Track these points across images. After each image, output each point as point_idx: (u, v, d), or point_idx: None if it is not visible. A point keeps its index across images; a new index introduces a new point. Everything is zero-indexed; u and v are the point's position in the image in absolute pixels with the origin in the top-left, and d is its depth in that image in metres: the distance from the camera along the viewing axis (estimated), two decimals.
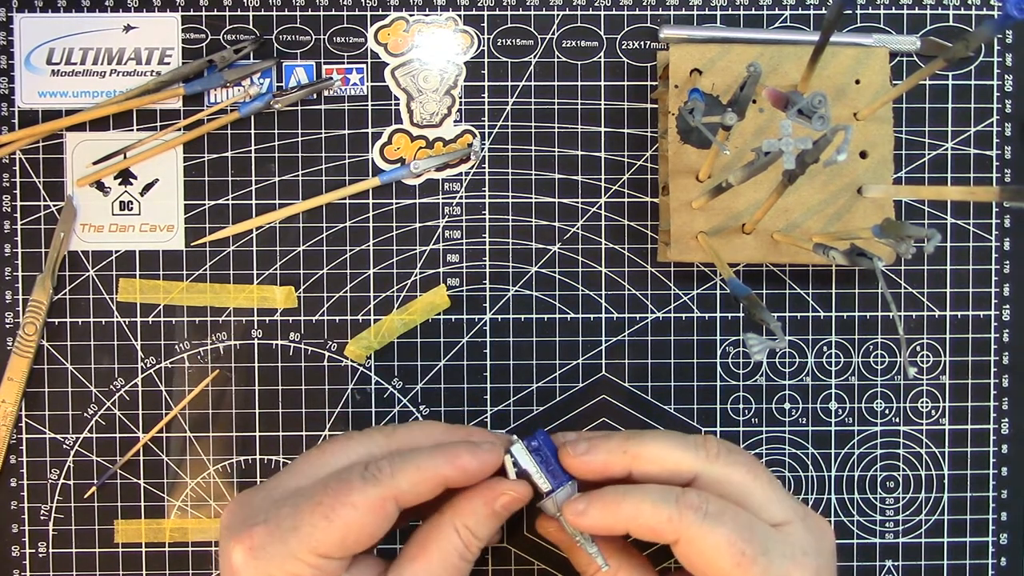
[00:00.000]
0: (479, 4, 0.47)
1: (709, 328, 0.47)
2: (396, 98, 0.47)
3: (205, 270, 0.47)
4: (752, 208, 0.44)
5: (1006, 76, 0.47)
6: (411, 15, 0.47)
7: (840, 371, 0.48)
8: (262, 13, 0.47)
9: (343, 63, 0.47)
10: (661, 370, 0.47)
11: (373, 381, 0.47)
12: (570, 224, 0.47)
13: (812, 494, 0.47)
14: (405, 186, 0.47)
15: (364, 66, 0.47)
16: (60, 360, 0.46)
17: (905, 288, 0.48)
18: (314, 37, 0.47)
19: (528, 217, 0.47)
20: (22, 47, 0.46)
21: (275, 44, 0.47)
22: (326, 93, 0.47)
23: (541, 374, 0.47)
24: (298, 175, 0.47)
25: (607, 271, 0.47)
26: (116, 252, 0.47)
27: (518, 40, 0.47)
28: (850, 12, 0.47)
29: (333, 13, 0.47)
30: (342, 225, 0.47)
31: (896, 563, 0.48)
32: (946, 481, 0.48)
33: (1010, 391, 0.48)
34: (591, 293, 0.47)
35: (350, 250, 0.47)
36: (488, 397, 0.47)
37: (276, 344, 0.47)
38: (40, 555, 0.46)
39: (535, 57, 0.47)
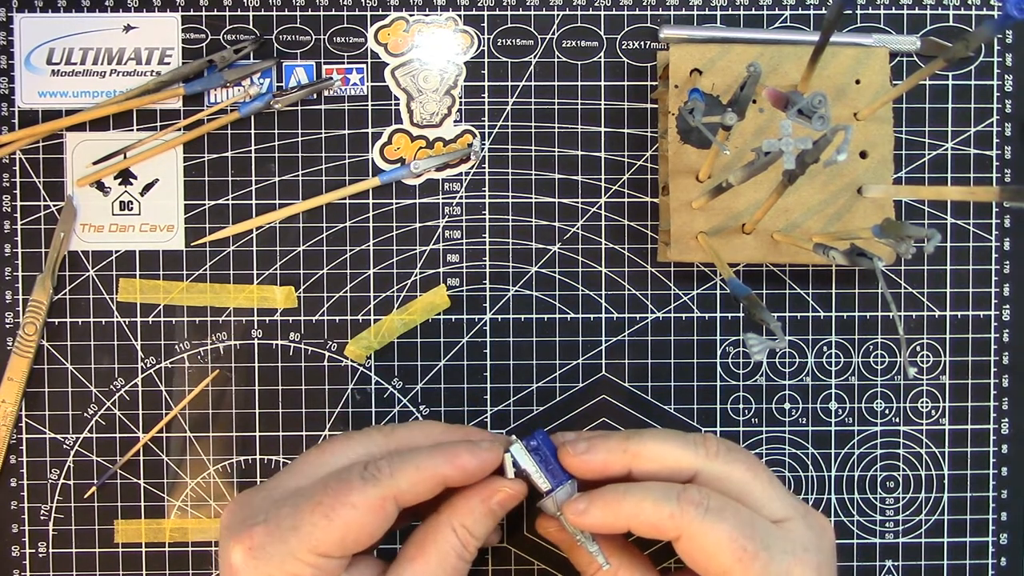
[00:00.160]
0: (479, 4, 0.47)
1: (709, 328, 0.47)
2: (396, 98, 0.47)
3: (205, 270, 0.47)
4: (752, 208, 0.44)
5: (1006, 76, 0.47)
6: (411, 15, 0.47)
7: (840, 371, 0.48)
8: (262, 13, 0.47)
9: (343, 63, 0.47)
10: (661, 370, 0.47)
11: (373, 381, 0.47)
12: (570, 224, 0.47)
13: (812, 494, 0.47)
14: (405, 186, 0.47)
15: (364, 66, 0.47)
16: (60, 360, 0.46)
17: (905, 288, 0.48)
18: (314, 37, 0.47)
19: (528, 217, 0.47)
20: (22, 47, 0.46)
21: (275, 44, 0.47)
22: (326, 93, 0.47)
23: (541, 374, 0.47)
24: (298, 175, 0.47)
25: (607, 271, 0.47)
26: (116, 252, 0.47)
27: (518, 40, 0.47)
28: (850, 12, 0.47)
29: (333, 13, 0.47)
30: (342, 225, 0.47)
31: (896, 563, 0.48)
32: (946, 481, 0.48)
33: (1010, 391, 0.48)
34: (591, 293, 0.47)
35: (350, 250, 0.47)
36: (488, 397, 0.47)
37: (276, 344, 0.47)
38: (40, 555, 0.46)
39: (535, 57, 0.47)
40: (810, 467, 0.48)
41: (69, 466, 0.47)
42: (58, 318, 0.46)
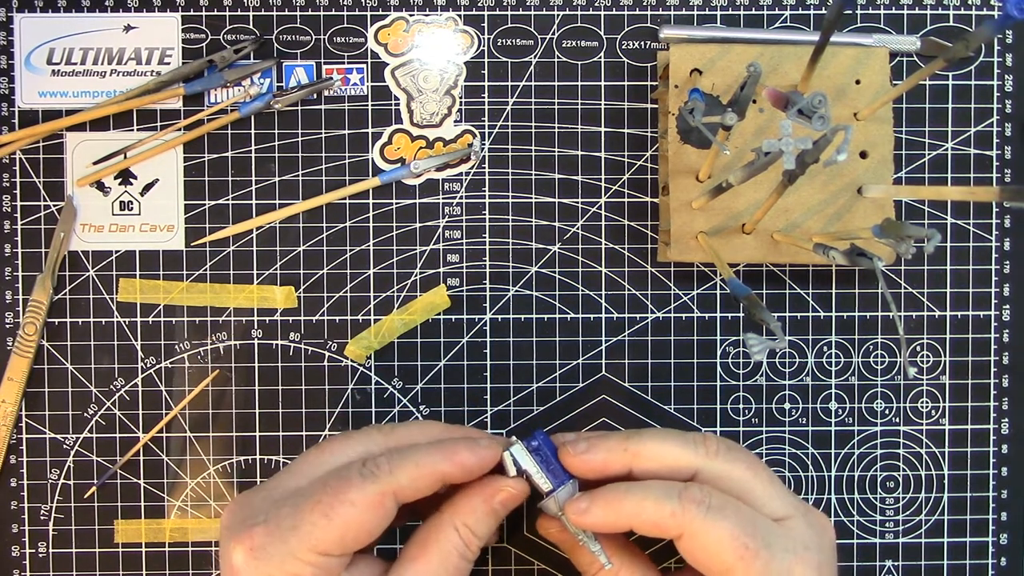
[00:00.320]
0: (479, 4, 0.47)
1: (709, 328, 0.47)
2: (396, 98, 0.47)
3: (205, 270, 0.47)
4: (752, 208, 0.44)
5: (1006, 76, 0.47)
6: (411, 15, 0.47)
7: (840, 371, 0.48)
8: (262, 13, 0.47)
9: (343, 63, 0.47)
10: (661, 370, 0.47)
11: (373, 381, 0.47)
12: (570, 224, 0.47)
13: (812, 494, 0.47)
14: (405, 186, 0.47)
15: (364, 66, 0.47)
16: (60, 360, 0.46)
17: (905, 288, 0.48)
18: (314, 37, 0.47)
19: (528, 217, 0.47)
20: (22, 47, 0.46)
21: (275, 44, 0.47)
22: (326, 93, 0.47)
23: (541, 374, 0.47)
24: (298, 175, 0.47)
25: (607, 271, 0.47)
26: (116, 252, 0.47)
27: (518, 40, 0.47)
28: (850, 12, 0.47)
29: (333, 13, 0.47)
30: (342, 225, 0.47)
31: (896, 563, 0.48)
32: (946, 481, 0.48)
33: (1010, 391, 0.48)
34: (591, 293, 0.47)
35: (350, 250, 0.47)
36: (488, 397, 0.47)
37: (276, 344, 0.47)
38: (40, 555, 0.46)
39: (535, 57, 0.47)
40: (810, 467, 0.48)
41: (69, 466, 0.47)
42: (58, 318, 0.46)
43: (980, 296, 0.48)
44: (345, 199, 0.47)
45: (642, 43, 0.47)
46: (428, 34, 0.47)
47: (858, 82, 0.45)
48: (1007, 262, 0.48)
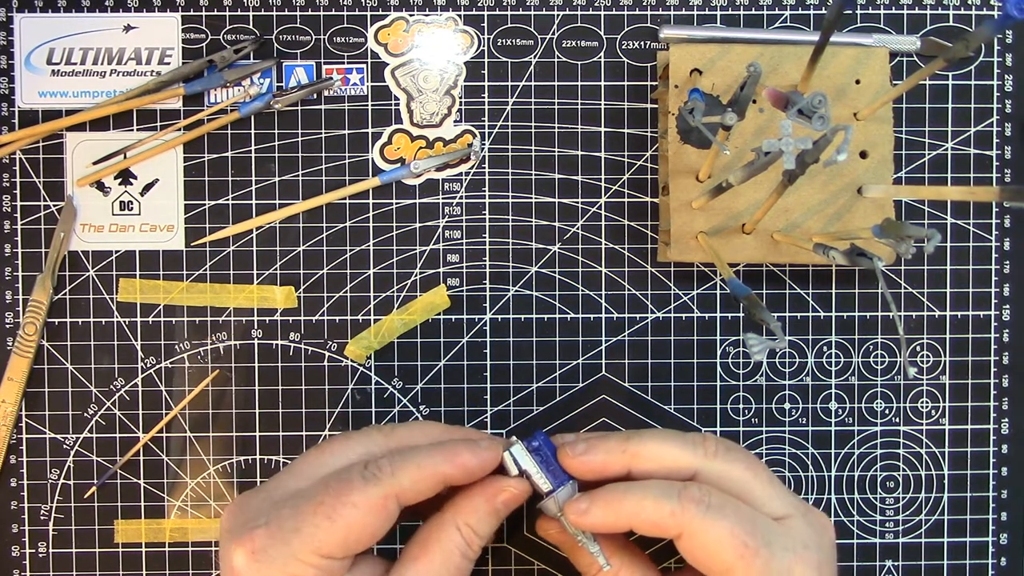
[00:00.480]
0: (479, 4, 0.47)
1: (709, 328, 0.47)
2: (396, 98, 0.47)
3: (205, 270, 0.47)
4: (752, 208, 0.44)
5: (1006, 76, 0.47)
6: (411, 15, 0.47)
7: (840, 371, 0.48)
8: (262, 13, 0.47)
9: (343, 63, 0.47)
10: (661, 370, 0.47)
11: (373, 381, 0.47)
12: (570, 224, 0.47)
13: (812, 494, 0.47)
14: (405, 186, 0.47)
15: (364, 66, 0.47)
16: (60, 360, 0.46)
17: (905, 288, 0.48)
18: (314, 37, 0.47)
19: (528, 217, 0.47)
20: (22, 47, 0.46)
21: (275, 44, 0.47)
22: (326, 93, 0.47)
23: (541, 374, 0.47)
24: (298, 175, 0.47)
25: (607, 271, 0.47)
26: (116, 252, 0.47)
27: (518, 40, 0.47)
28: (850, 12, 0.47)
29: (333, 13, 0.47)
30: (342, 225, 0.47)
31: (896, 563, 0.48)
32: (946, 481, 0.48)
33: (1010, 391, 0.48)
34: (591, 293, 0.47)
35: (350, 250, 0.47)
36: (488, 397, 0.47)
37: (276, 344, 0.47)
38: (40, 555, 0.46)
39: (535, 57, 0.47)
40: (810, 467, 0.48)
41: (69, 466, 0.47)
42: (58, 318, 0.46)
43: (980, 296, 0.48)
44: (345, 199, 0.47)
45: (642, 43, 0.47)
46: (428, 34, 0.47)
47: (858, 82, 0.45)
48: (1007, 262, 0.48)
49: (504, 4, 0.47)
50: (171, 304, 0.47)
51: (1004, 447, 0.48)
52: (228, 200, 0.47)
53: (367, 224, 0.47)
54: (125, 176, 0.47)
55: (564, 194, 0.47)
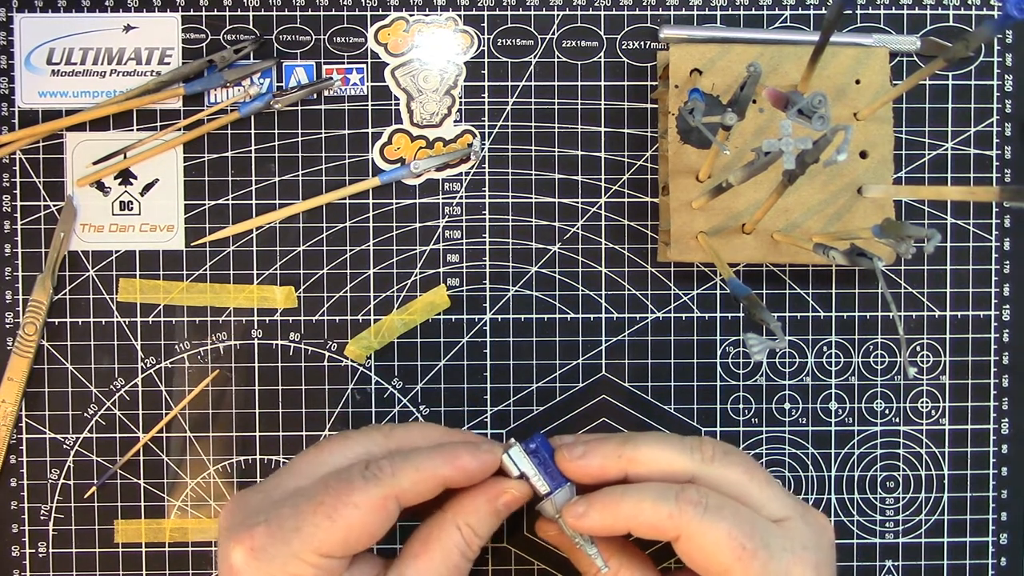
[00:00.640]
0: (479, 4, 0.47)
1: (709, 328, 0.47)
2: (396, 98, 0.47)
3: (205, 270, 0.47)
4: (752, 208, 0.44)
5: (1006, 76, 0.47)
6: (411, 15, 0.47)
7: (840, 371, 0.48)
8: (262, 13, 0.47)
9: (343, 63, 0.47)
10: (661, 370, 0.47)
11: (373, 381, 0.47)
12: (570, 224, 0.47)
13: (812, 494, 0.47)
14: (405, 186, 0.47)
15: (364, 66, 0.47)
16: (60, 360, 0.46)
17: (905, 288, 0.48)
18: (314, 37, 0.47)
19: (528, 217, 0.47)
20: (22, 47, 0.46)
21: (275, 44, 0.47)
22: (326, 93, 0.47)
23: (541, 374, 0.47)
24: (298, 175, 0.47)
25: (607, 271, 0.47)
26: (116, 252, 0.47)
27: (518, 40, 0.47)
28: (850, 12, 0.47)
29: (333, 13, 0.47)
30: (342, 225, 0.47)
31: (896, 563, 0.48)
32: (946, 481, 0.48)
33: (1010, 391, 0.48)
34: (591, 293, 0.47)
35: (350, 250, 0.47)
36: (488, 397, 0.47)
37: (276, 344, 0.47)
38: (40, 555, 0.46)
39: (535, 57, 0.47)
40: (810, 467, 0.48)
41: (69, 466, 0.47)
42: (58, 318, 0.46)
43: (980, 296, 0.48)
44: (345, 199, 0.47)
45: (642, 43, 0.47)
46: (428, 34, 0.47)
47: (858, 82, 0.44)
48: (1007, 262, 0.48)
49: (504, 4, 0.47)
50: (171, 304, 0.47)
51: (1004, 447, 0.48)
52: (228, 200, 0.47)
53: (367, 224, 0.47)
54: (125, 176, 0.47)
55: (564, 194, 0.47)
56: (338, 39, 0.47)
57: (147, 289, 0.47)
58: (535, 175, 0.47)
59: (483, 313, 0.47)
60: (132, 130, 0.47)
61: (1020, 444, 0.48)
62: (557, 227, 0.47)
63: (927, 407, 0.48)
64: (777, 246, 0.44)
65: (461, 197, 0.47)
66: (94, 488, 0.47)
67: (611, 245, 0.47)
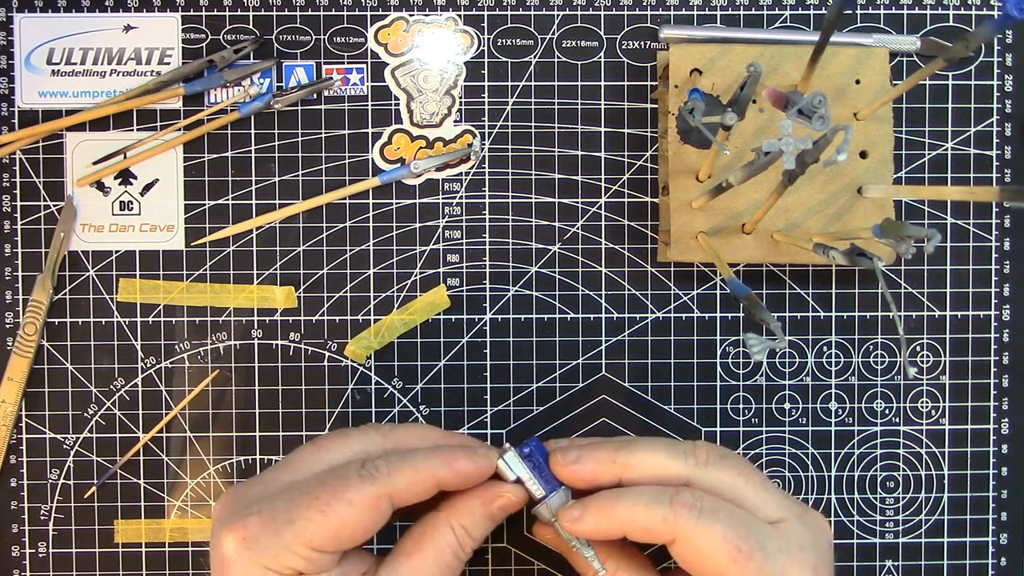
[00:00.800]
0: (479, 4, 0.47)
1: (709, 328, 0.47)
2: (396, 98, 0.47)
3: (205, 270, 0.47)
4: (752, 208, 0.44)
5: (1006, 76, 0.47)
6: (411, 15, 0.47)
7: (840, 371, 0.48)
8: (262, 13, 0.47)
9: (343, 63, 0.47)
10: (661, 370, 0.47)
11: (373, 381, 0.47)
12: (570, 224, 0.47)
13: (812, 494, 0.47)
14: (405, 186, 0.47)
15: (364, 66, 0.47)
16: (60, 360, 0.46)
17: (905, 288, 0.48)
18: (314, 37, 0.47)
19: (528, 217, 0.47)
20: (22, 47, 0.46)
21: (275, 44, 0.47)
22: (326, 93, 0.47)
23: (541, 374, 0.47)
24: (298, 175, 0.47)
25: (607, 271, 0.47)
26: (116, 252, 0.47)
27: (518, 40, 0.47)
28: (850, 12, 0.47)
29: (333, 13, 0.47)
30: (342, 225, 0.47)
31: (896, 563, 0.48)
32: (946, 481, 0.48)
33: (1010, 391, 0.48)
34: (591, 293, 0.47)
35: (350, 250, 0.47)
36: (488, 397, 0.47)
37: (276, 344, 0.47)
38: (40, 555, 0.46)
39: (535, 57, 0.47)
40: (810, 467, 0.48)
41: (69, 466, 0.47)
42: (58, 318, 0.46)
43: (980, 296, 0.48)
44: (345, 199, 0.47)
45: (642, 43, 0.47)
46: (428, 34, 0.47)
47: (858, 82, 0.44)
48: (1007, 262, 0.48)
49: (504, 4, 0.47)
50: (171, 304, 0.47)
51: (1004, 447, 0.48)
52: (228, 200, 0.47)
53: (367, 224, 0.47)
54: (125, 176, 0.47)
55: (564, 194, 0.47)
56: (338, 39, 0.47)
57: (147, 289, 0.47)
58: (535, 175, 0.47)
59: (483, 313, 0.47)
60: (132, 130, 0.47)
61: (1020, 444, 0.48)
62: (557, 227, 0.47)
63: (927, 407, 0.48)
64: (777, 246, 0.44)
65: (461, 197, 0.47)
66: (94, 488, 0.47)
67: (611, 245, 0.47)
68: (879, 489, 0.48)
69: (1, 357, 0.46)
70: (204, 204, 0.47)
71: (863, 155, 0.45)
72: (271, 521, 0.33)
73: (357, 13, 0.47)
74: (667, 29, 0.46)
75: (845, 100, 0.44)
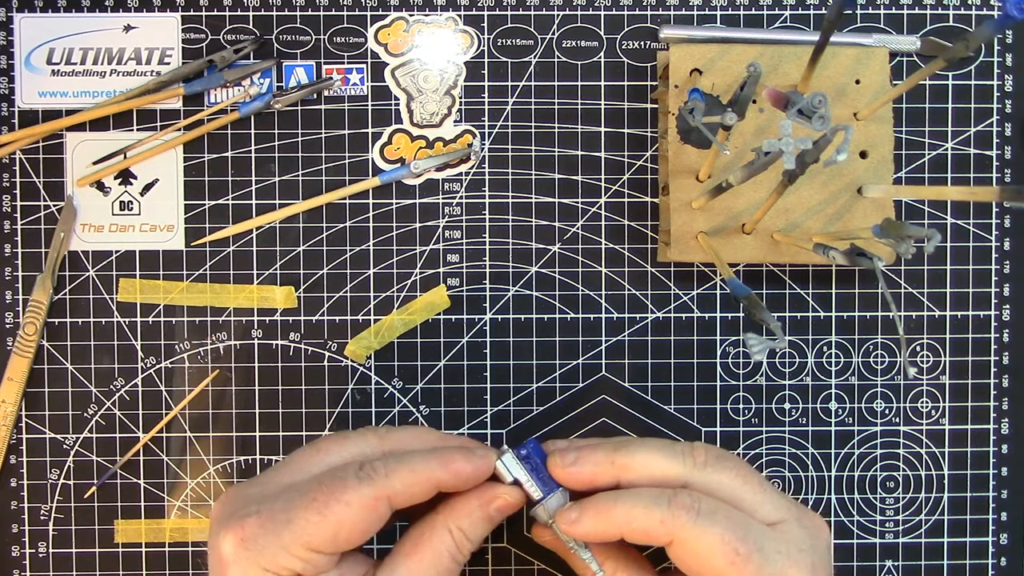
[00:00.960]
0: (479, 4, 0.47)
1: (709, 328, 0.47)
2: (396, 98, 0.47)
3: (205, 270, 0.47)
4: (752, 208, 0.44)
5: (1006, 76, 0.47)
6: (411, 15, 0.47)
7: (840, 371, 0.48)
8: (262, 13, 0.47)
9: (343, 63, 0.47)
10: (661, 370, 0.47)
11: (373, 381, 0.47)
12: (570, 224, 0.47)
13: (812, 494, 0.47)
14: (405, 186, 0.47)
15: (364, 66, 0.47)
16: (60, 360, 0.46)
17: (905, 288, 0.48)
18: (314, 37, 0.47)
19: (528, 217, 0.47)
20: (22, 47, 0.46)
21: (275, 44, 0.47)
22: (326, 93, 0.47)
23: (541, 374, 0.47)
24: (298, 175, 0.47)
25: (607, 271, 0.47)
26: (116, 252, 0.47)
27: (518, 40, 0.47)
28: (850, 12, 0.47)
29: (333, 13, 0.47)
30: (342, 225, 0.47)
31: (896, 563, 0.48)
32: (946, 481, 0.48)
33: (1010, 391, 0.48)
34: (591, 293, 0.47)
35: (350, 250, 0.47)
36: (488, 397, 0.47)
37: (276, 344, 0.47)
38: (40, 555, 0.46)
39: (535, 57, 0.47)
40: (810, 467, 0.48)
41: (69, 466, 0.47)
42: (58, 318, 0.46)
43: (980, 296, 0.48)
44: (345, 199, 0.47)
45: (642, 43, 0.47)
46: (428, 34, 0.47)
47: (858, 82, 0.44)
48: (1007, 262, 0.48)
49: (504, 4, 0.47)
50: (171, 304, 0.47)
51: (1004, 447, 0.48)
52: (228, 200, 0.47)
53: (367, 224, 0.47)
54: (125, 176, 0.47)
55: (564, 194, 0.47)
56: (338, 39, 0.47)
57: (147, 289, 0.47)
58: (535, 175, 0.47)
59: (483, 313, 0.47)
60: (132, 130, 0.47)
61: (1020, 444, 0.48)
62: (557, 227, 0.47)
63: (927, 407, 0.48)
64: (777, 246, 0.44)
65: (461, 197, 0.47)
66: (94, 488, 0.47)
67: (611, 245, 0.47)
68: (879, 489, 0.48)
69: (1, 357, 0.46)
70: (204, 204, 0.47)
71: (863, 155, 0.45)
72: (269, 522, 0.33)
73: (357, 13, 0.47)
74: (667, 29, 0.46)
75: (845, 100, 0.44)
